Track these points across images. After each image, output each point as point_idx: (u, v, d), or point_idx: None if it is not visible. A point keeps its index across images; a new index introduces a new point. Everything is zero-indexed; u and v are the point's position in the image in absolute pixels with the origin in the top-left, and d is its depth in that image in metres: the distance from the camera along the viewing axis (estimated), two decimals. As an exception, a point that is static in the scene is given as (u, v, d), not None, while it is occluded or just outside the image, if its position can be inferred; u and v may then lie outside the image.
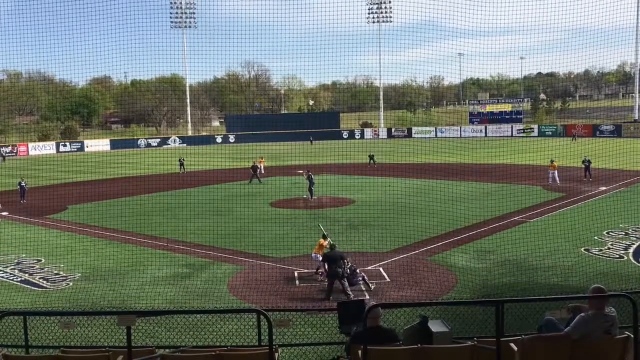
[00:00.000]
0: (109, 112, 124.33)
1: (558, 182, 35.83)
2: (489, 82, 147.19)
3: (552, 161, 36.92)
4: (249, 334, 11.33)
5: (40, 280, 18.65)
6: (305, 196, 34.07)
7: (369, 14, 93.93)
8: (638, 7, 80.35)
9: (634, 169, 38.86)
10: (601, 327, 6.60)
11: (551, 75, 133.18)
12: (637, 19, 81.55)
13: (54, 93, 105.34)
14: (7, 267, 20.15)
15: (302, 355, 10.78)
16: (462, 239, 22.27)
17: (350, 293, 15.83)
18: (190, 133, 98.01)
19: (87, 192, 35.27)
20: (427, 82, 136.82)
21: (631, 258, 19.17)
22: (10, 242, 23.75)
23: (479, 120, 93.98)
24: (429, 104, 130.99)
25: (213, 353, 7.17)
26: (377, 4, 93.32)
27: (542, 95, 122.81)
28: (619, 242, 20.95)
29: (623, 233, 22.26)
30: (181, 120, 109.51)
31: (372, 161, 50.63)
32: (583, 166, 37.59)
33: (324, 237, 18.38)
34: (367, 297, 15.74)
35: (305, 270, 18.58)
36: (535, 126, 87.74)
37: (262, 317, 7.75)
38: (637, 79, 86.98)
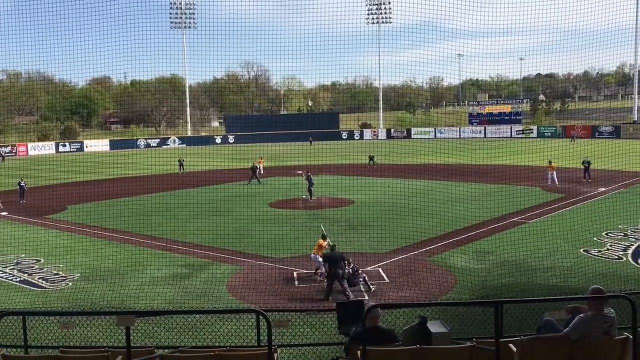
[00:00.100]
0: (109, 113, 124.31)
1: (557, 182, 35.84)
2: (488, 83, 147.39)
3: (550, 162, 36.96)
4: (248, 334, 11.33)
5: (40, 280, 18.64)
6: (304, 197, 34.08)
7: (368, 14, 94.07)
8: (637, 8, 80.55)
9: (633, 170, 38.87)
10: (600, 328, 6.61)
11: (550, 76, 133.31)
12: (637, 20, 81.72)
13: (54, 93, 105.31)
14: (6, 267, 20.14)
15: (301, 355, 10.79)
16: (462, 240, 22.29)
17: (350, 294, 15.82)
18: (189, 133, 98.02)
19: (86, 192, 35.26)
20: (426, 83, 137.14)
21: (630, 259, 19.18)
22: (9, 242, 23.74)
23: (478, 121, 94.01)
24: (428, 104, 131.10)
25: (212, 353, 7.17)
26: (377, 4, 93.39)
27: (542, 96, 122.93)
28: (618, 243, 20.97)
29: (622, 234, 22.28)
30: (181, 121, 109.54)
31: (371, 162, 50.64)
32: (583, 167, 37.59)
33: (324, 238, 18.39)
34: (366, 297, 15.75)
35: (305, 271, 18.59)
36: (535, 127, 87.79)
37: (261, 317, 7.75)
38: (636, 80, 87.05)
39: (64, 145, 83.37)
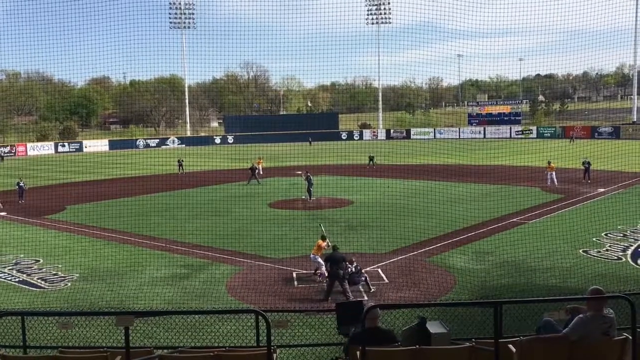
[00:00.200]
0: (108, 113, 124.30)
1: (556, 183, 35.85)
2: (488, 84, 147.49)
3: (549, 162, 36.97)
4: (247, 334, 11.32)
5: (39, 280, 18.62)
6: (303, 197, 34.08)
7: (368, 15, 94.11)
8: (637, 8, 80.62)
9: (633, 171, 38.91)
10: (599, 328, 6.60)
11: (550, 76, 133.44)
12: (636, 20, 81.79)
13: (53, 93, 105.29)
14: (5, 267, 20.12)
15: (301, 356, 10.78)
16: (461, 240, 22.29)
17: (350, 295, 15.81)
18: (189, 134, 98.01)
19: (85, 193, 35.24)
20: (425, 84, 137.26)
21: (629, 260, 19.18)
22: (8, 242, 23.71)
23: (477, 121, 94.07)
24: (427, 105, 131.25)
25: (211, 354, 7.16)
26: (376, 5, 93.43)
27: (541, 97, 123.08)
28: (617, 244, 20.97)
29: (621, 235, 22.28)
30: (180, 121, 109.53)
31: (371, 162, 50.67)
32: (583, 168, 37.59)
33: (323, 238, 18.37)
34: (366, 298, 15.75)
35: (304, 271, 18.57)
36: (534, 128, 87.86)
37: (260, 317, 7.74)
38: (636, 81, 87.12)
39: (63, 146, 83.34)
